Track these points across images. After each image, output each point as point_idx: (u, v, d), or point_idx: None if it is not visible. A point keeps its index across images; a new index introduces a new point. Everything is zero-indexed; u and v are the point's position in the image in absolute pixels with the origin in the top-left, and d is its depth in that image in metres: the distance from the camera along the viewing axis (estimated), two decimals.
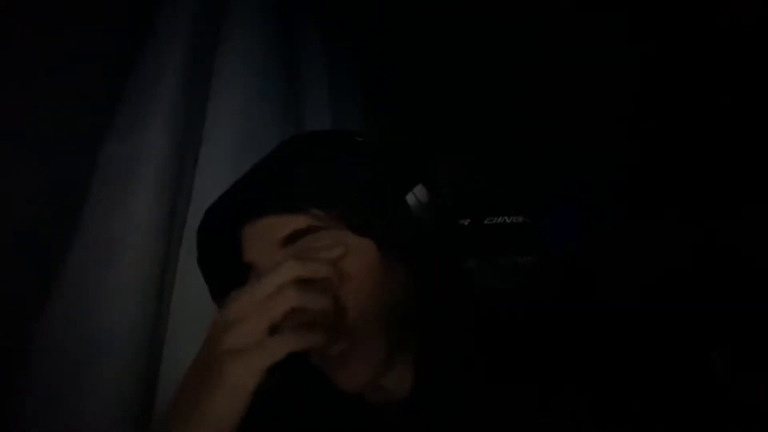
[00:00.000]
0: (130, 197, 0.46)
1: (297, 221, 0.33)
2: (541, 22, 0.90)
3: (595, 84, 0.97)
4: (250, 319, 0.27)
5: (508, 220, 0.90)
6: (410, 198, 0.35)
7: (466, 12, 0.92)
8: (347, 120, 0.79)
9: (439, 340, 0.36)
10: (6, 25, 0.43)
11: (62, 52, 0.47)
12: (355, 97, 0.84)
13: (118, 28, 0.52)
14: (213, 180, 0.55)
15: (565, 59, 0.93)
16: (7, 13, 0.42)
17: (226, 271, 0.37)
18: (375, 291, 0.33)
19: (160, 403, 0.48)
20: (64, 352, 0.42)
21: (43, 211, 0.44)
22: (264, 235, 0.34)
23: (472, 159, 0.97)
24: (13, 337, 0.42)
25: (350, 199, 0.34)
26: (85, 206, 0.47)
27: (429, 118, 0.96)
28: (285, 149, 0.39)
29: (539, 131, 1.02)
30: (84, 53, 0.48)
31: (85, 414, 0.42)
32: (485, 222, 0.89)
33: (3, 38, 0.43)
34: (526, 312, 0.39)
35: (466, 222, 0.87)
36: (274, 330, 0.28)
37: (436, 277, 0.36)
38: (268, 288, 0.28)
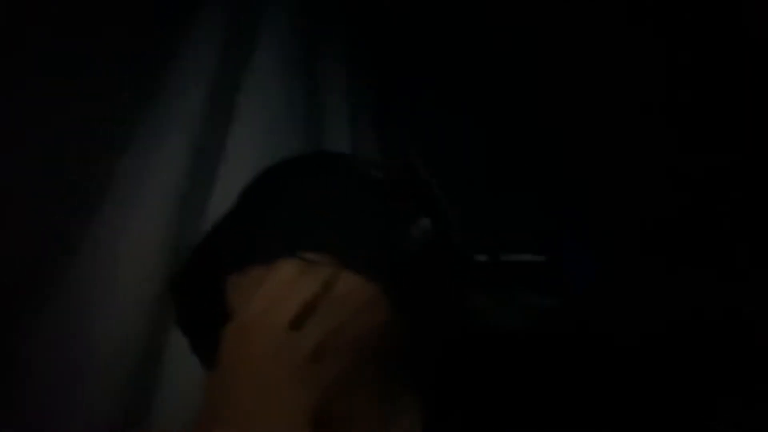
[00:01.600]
0: (141, 212, 0.45)
1: (289, 269, 0.30)
2: (571, 53, 0.90)
3: (631, 124, 0.95)
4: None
5: (526, 258, 0.87)
6: (414, 230, 0.32)
7: (490, 41, 0.92)
8: (366, 140, 0.79)
9: (448, 385, 0.33)
10: (27, 33, 0.43)
11: (87, 60, 0.47)
12: (373, 118, 0.83)
13: (145, 42, 0.52)
14: (232, 196, 0.54)
15: (596, 94, 0.92)
16: (28, 23, 0.43)
17: (210, 324, 0.33)
18: (373, 335, 0.30)
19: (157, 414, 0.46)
20: (55, 372, 0.40)
21: (51, 221, 0.43)
22: (252, 288, 0.30)
23: (493, 192, 0.96)
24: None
25: (346, 236, 0.31)
26: (95, 216, 0.46)
27: (449, 144, 0.95)
28: (266, 183, 0.36)
29: (565, 168, 1.00)
30: (109, 62, 0.48)
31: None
32: (502, 259, 0.86)
33: (24, 45, 0.43)
34: (547, 352, 0.37)
35: (483, 258, 0.84)
36: None
37: (437, 314, 0.33)
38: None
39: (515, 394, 0.34)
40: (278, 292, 0.29)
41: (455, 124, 1.01)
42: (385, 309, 0.30)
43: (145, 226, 0.46)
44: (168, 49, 0.55)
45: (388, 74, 0.93)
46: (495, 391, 0.34)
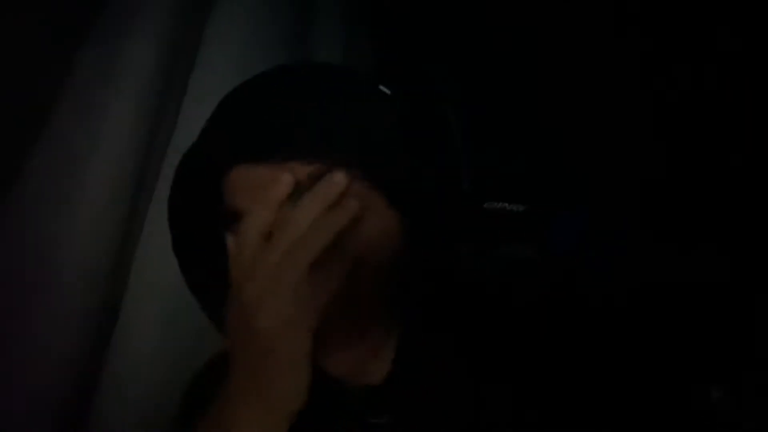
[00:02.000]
0: (104, 110, 0.41)
1: (305, 171, 0.27)
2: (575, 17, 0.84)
3: (627, 86, 0.91)
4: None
5: (508, 207, 0.86)
6: (438, 167, 0.31)
7: None
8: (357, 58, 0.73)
9: (426, 323, 0.33)
10: None
11: None
12: (365, 35, 0.77)
13: None
14: (201, 110, 0.50)
15: (596, 56, 0.88)
16: None
17: (202, 219, 0.31)
18: (383, 260, 0.29)
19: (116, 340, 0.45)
20: (18, 256, 0.38)
21: (8, 113, 0.39)
22: (264, 186, 0.27)
23: (480, 139, 0.93)
24: None
25: (371, 146, 0.29)
26: (56, 110, 0.41)
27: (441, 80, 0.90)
28: (289, 77, 0.32)
29: (558, 121, 0.97)
30: None
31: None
32: (485, 207, 0.85)
33: None
34: (516, 306, 0.37)
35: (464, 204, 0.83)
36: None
37: (438, 247, 0.33)
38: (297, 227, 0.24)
39: (483, 341, 0.34)
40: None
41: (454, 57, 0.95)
42: (398, 239, 0.29)
43: (111, 120, 0.42)
44: None
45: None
46: (464, 336, 0.34)
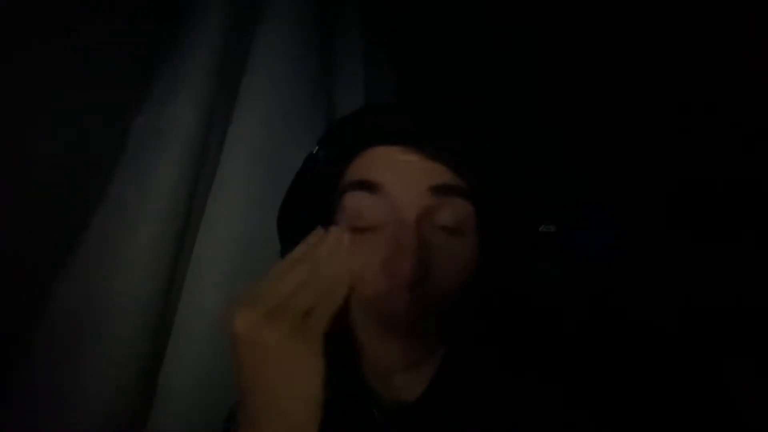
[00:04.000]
0: (154, 170, 0.46)
1: (451, 175, 0.32)
2: (598, 28, 0.85)
3: (646, 93, 0.90)
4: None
5: (542, 229, 0.86)
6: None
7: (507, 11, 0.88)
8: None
9: (471, 343, 0.34)
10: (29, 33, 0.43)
11: (101, 25, 0.48)
12: (389, 85, 0.82)
13: (159, 3, 0.53)
14: (238, 160, 0.55)
15: (615, 62, 0.88)
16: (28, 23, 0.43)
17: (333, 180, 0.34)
18: (466, 280, 0.32)
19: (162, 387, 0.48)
20: (76, 321, 0.43)
21: (71, 179, 0.45)
22: (416, 168, 0.32)
23: (510, 161, 0.94)
24: (28, 298, 0.44)
25: (491, 174, 0.33)
26: (112, 176, 0.47)
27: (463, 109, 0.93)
28: (434, 104, 0.37)
29: (580, 138, 0.97)
30: (122, 28, 0.49)
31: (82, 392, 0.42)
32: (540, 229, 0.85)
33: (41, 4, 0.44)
34: (551, 324, 0.38)
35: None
36: None
37: (512, 277, 0.35)
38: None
39: (519, 359, 0.35)
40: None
41: (473, 92, 0.98)
42: (478, 253, 0.32)
43: (160, 182, 0.47)
44: (180, 15, 0.55)
45: (406, 42, 0.89)
46: (506, 355, 0.35)
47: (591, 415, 0.30)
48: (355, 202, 0.32)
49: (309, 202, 0.35)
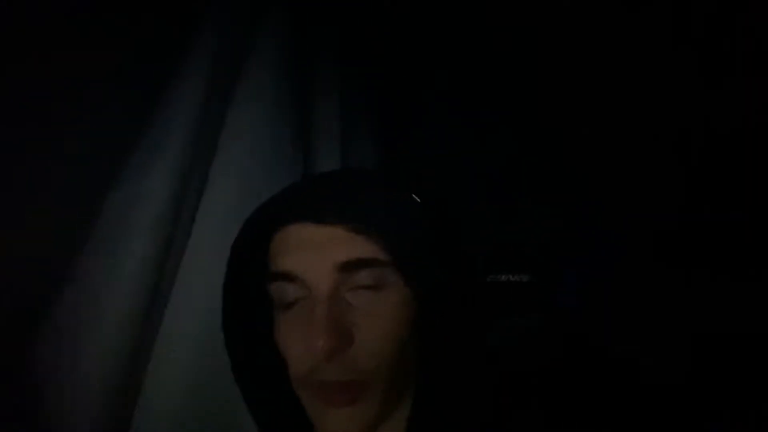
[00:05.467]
0: (125, 244, 0.47)
1: (363, 246, 0.32)
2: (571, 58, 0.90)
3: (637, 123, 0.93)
4: None
5: (512, 278, 0.88)
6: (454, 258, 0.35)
7: (483, 66, 0.94)
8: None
9: (438, 402, 0.34)
10: (22, 71, 0.45)
11: (77, 102, 0.49)
12: (367, 149, 0.85)
13: (135, 79, 0.55)
14: (211, 230, 0.55)
15: (600, 95, 0.92)
16: (24, 62, 0.45)
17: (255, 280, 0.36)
18: (396, 336, 0.33)
19: None
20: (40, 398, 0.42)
21: (38, 257, 0.44)
22: (326, 247, 0.33)
23: (478, 211, 0.97)
24: None
25: (411, 241, 0.33)
26: (84, 250, 0.47)
27: (441, 168, 0.96)
28: (349, 172, 0.40)
29: (549, 182, 1.00)
30: (99, 104, 0.50)
31: None
32: (488, 280, 0.87)
33: (19, 81, 0.45)
34: (526, 374, 0.39)
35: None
36: None
37: (453, 335, 0.35)
38: None
39: (495, 405, 0.36)
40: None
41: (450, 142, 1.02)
42: (414, 314, 0.33)
43: (130, 255, 0.47)
44: (154, 85, 0.57)
45: (384, 93, 0.93)
46: (477, 400, 0.36)
47: None
48: (277, 291, 0.34)
49: (245, 291, 0.37)
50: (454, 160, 0.99)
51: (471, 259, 0.37)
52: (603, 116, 0.95)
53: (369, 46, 0.90)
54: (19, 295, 0.44)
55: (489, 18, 0.90)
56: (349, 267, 0.32)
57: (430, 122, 0.98)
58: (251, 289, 0.36)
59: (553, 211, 1.01)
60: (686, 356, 0.85)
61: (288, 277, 0.33)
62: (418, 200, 0.37)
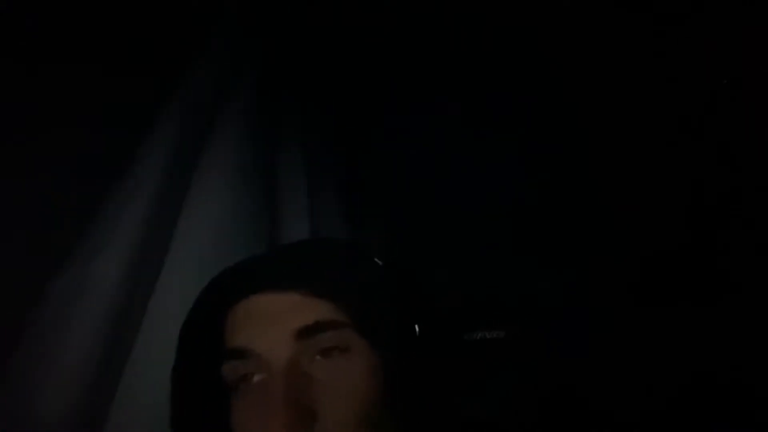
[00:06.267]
0: (69, 332, 0.44)
1: (323, 310, 0.31)
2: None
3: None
4: None
5: (488, 336, 0.86)
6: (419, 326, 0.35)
7: (444, 131, 0.98)
8: (328, 233, 0.80)
9: None
10: None
11: (30, 177, 0.48)
12: (337, 209, 0.85)
13: (93, 152, 0.54)
14: (171, 303, 0.53)
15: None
16: None
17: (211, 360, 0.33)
18: (365, 403, 0.31)
19: None
20: None
21: None
22: (280, 316, 0.31)
23: (450, 270, 0.97)
24: None
25: (376, 304, 0.33)
26: (26, 341, 0.44)
27: (411, 229, 0.97)
28: (313, 241, 0.39)
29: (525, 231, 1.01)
30: (51, 179, 0.49)
31: None
32: (464, 338, 0.85)
33: None
34: None
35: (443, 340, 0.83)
36: None
37: (425, 402, 0.34)
38: None
39: None
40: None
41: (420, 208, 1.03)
42: (383, 382, 0.32)
43: (75, 344, 0.44)
44: (114, 158, 0.57)
45: (351, 155, 0.96)
46: None
47: None
48: (230, 371, 0.33)
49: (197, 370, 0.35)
50: (428, 219, 1.00)
51: (439, 320, 0.37)
52: (587, 165, 0.99)
53: (336, 114, 0.94)
54: None
55: (466, 71, 0.95)
56: (308, 332, 0.31)
57: (403, 179, 1.00)
58: (203, 373, 0.34)
59: (536, 264, 1.02)
60: (677, 400, 0.83)
61: (242, 354, 0.32)
62: (380, 263, 0.37)
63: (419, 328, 0.35)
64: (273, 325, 0.31)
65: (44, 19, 0.55)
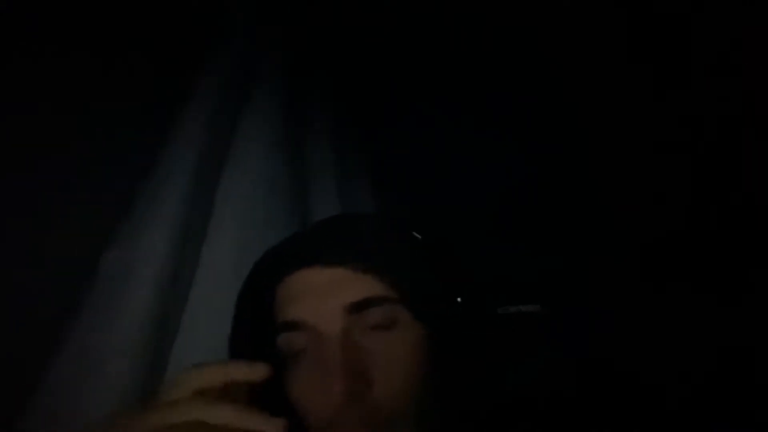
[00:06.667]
0: (125, 303, 0.45)
1: (371, 286, 0.32)
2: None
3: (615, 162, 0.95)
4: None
5: (523, 309, 0.85)
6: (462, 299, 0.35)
7: (471, 104, 0.96)
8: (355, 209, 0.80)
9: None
10: (20, 130, 0.46)
11: (72, 158, 0.50)
12: (364, 189, 0.85)
13: (131, 135, 0.55)
14: (215, 276, 0.54)
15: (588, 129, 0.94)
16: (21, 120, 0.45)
17: (264, 328, 0.34)
18: (414, 374, 0.32)
19: None
20: None
21: (34, 322, 0.43)
22: (332, 291, 0.32)
23: (483, 243, 0.96)
24: None
25: (423, 278, 0.33)
26: (81, 312, 0.46)
27: (439, 206, 0.96)
28: (363, 215, 0.43)
29: (555, 210, 1.00)
30: (93, 160, 0.50)
31: None
32: (499, 312, 0.84)
33: (14, 140, 0.46)
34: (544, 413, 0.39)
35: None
36: None
37: (468, 373, 0.35)
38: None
39: None
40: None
41: (445, 181, 1.03)
42: (428, 351, 0.32)
43: (128, 325, 0.45)
44: (151, 139, 0.57)
45: (377, 137, 0.95)
46: None
47: None
48: (285, 342, 0.33)
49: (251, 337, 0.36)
50: (456, 195, 1.00)
51: (478, 292, 0.37)
52: (603, 149, 0.97)
53: (362, 89, 0.93)
54: (15, 355, 0.43)
55: (486, 58, 0.93)
56: (358, 307, 0.31)
57: (431, 159, 0.99)
58: (258, 344, 0.35)
59: (557, 244, 1.01)
60: (701, 374, 0.82)
61: (296, 326, 0.32)
62: (419, 237, 0.37)
63: (461, 300, 0.35)
64: (325, 298, 0.32)
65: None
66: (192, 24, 0.66)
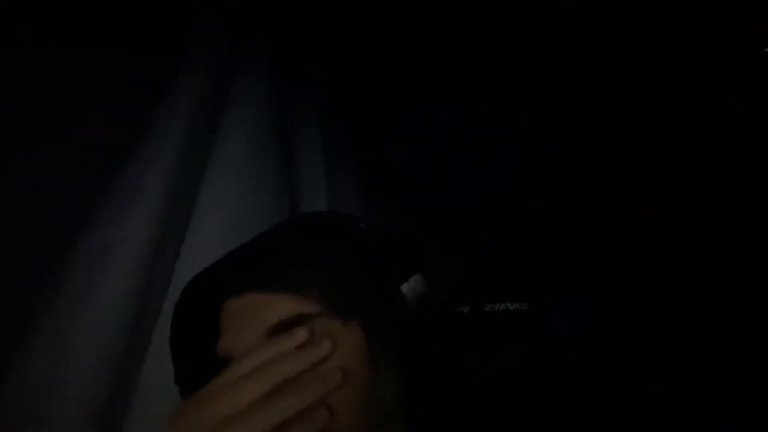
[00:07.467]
0: (100, 291, 0.44)
1: (286, 305, 0.31)
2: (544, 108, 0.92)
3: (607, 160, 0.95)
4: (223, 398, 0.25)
5: (511, 307, 0.85)
6: (405, 288, 0.34)
7: (460, 101, 0.96)
8: (344, 208, 0.79)
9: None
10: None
11: (56, 139, 0.49)
12: (352, 184, 0.85)
13: (115, 118, 0.54)
14: (197, 268, 0.53)
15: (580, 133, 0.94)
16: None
17: (198, 354, 0.34)
18: (363, 384, 0.31)
19: None
20: None
21: (12, 301, 0.42)
22: (248, 318, 0.32)
23: (474, 241, 0.95)
24: None
25: (343, 282, 0.33)
26: (53, 298, 0.45)
27: (428, 201, 0.96)
28: (281, 227, 0.40)
29: (547, 211, 1.00)
30: (76, 144, 0.49)
31: None
32: (486, 309, 0.84)
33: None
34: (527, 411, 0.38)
35: (466, 310, 0.83)
36: None
37: (426, 370, 0.34)
38: (244, 368, 0.27)
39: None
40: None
41: (435, 176, 1.02)
42: (367, 355, 0.31)
43: (104, 304, 0.44)
44: (138, 120, 0.56)
45: (366, 132, 0.95)
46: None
47: None
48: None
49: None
50: (447, 192, 0.99)
51: (430, 291, 0.36)
52: (599, 145, 0.97)
53: (351, 84, 0.93)
54: None
55: (482, 56, 0.93)
56: (277, 331, 0.31)
57: (421, 156, 0.99)
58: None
59: (549, 239, 1.01)
60: (683, 378, 0.83)
61: (228, 360, 0.32)
62: (362, 227, 0.36)
63: (406, 289, 0.34)
64: (245, 329, 0.32)
65: None
66: (175, 13, 0.65)
